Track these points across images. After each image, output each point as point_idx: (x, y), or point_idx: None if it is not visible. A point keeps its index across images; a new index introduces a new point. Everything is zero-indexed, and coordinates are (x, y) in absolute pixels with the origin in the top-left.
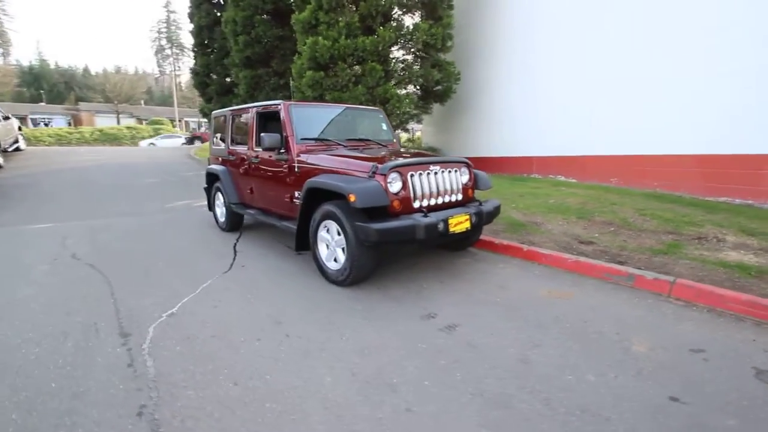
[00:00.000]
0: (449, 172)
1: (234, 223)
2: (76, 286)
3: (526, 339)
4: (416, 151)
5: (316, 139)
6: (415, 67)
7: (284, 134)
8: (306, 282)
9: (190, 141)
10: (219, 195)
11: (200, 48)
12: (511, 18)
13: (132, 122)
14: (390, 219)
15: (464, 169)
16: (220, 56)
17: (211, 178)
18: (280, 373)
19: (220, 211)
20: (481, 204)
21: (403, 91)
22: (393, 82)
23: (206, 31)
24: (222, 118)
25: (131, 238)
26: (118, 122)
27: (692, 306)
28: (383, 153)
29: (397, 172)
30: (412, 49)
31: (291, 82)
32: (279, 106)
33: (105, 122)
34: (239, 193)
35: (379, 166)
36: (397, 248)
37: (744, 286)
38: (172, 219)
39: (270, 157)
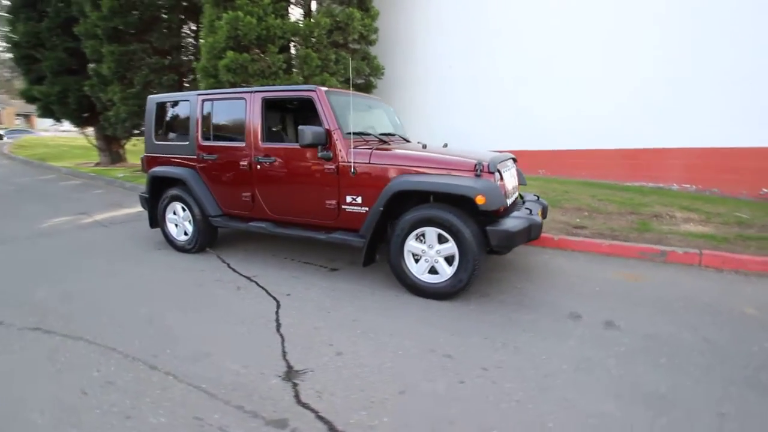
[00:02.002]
0: (514, 168)
1: (207, 241)
2: (81, 376)
3: (681, 323)
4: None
5: (357, 134)
6: (348, 59)
7: (325, 128)
8: (399, 301)
9: None
10: (177, 206)
11: (23, 11)
12: (426, 15)
13: None
14: (501, 220)
15: (515, 165)
16: (57, 23)
17: (163, 184)
18: (556, 417)
19: (179, 228)
20: (538, 199)
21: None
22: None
23: None
24: (174, 104)
25: (52, 275)
26: None
27: (722, 271)
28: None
29: (497, 169)
30: (350, 38)
31: (199, 63)
32: (313, 93)
33: None
34: (225, 202)
35: (485, 163)
36: None
37: (733, 249)
38: (82, 241)
39: (302, 155)
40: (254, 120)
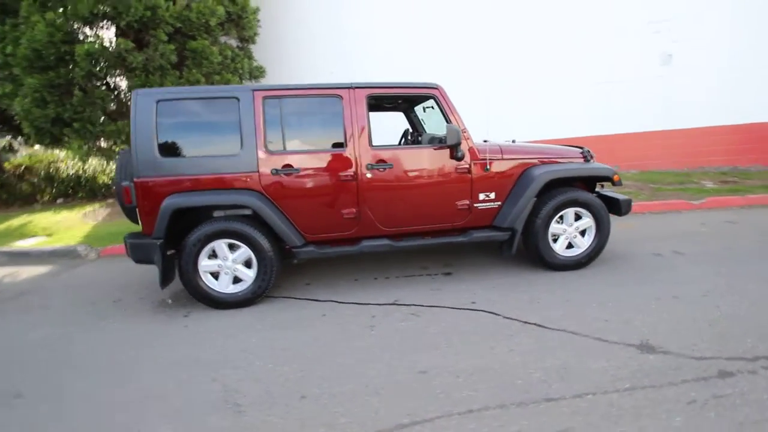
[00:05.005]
0: None
1: (274, 283)
2: None
3: (708, 242)
4: None
5: None
6: (243, 58)
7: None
8: (571, 278)
9: None
10: (221, 247)
11: None
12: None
13: None
14: (614, 193)
15: None
16: None
17: (183, 219)
18: None
19: (226, 276)
20: None
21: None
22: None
23: None
24: (199, 104)
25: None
26: None
27: (664, 212)
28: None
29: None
30: (247, 34)
31: (14, 48)
32: (435, 91)
33: None
34: (310, 225)
35: (586, 149)
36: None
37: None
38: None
39: (431, 157)
40: (357, 121)
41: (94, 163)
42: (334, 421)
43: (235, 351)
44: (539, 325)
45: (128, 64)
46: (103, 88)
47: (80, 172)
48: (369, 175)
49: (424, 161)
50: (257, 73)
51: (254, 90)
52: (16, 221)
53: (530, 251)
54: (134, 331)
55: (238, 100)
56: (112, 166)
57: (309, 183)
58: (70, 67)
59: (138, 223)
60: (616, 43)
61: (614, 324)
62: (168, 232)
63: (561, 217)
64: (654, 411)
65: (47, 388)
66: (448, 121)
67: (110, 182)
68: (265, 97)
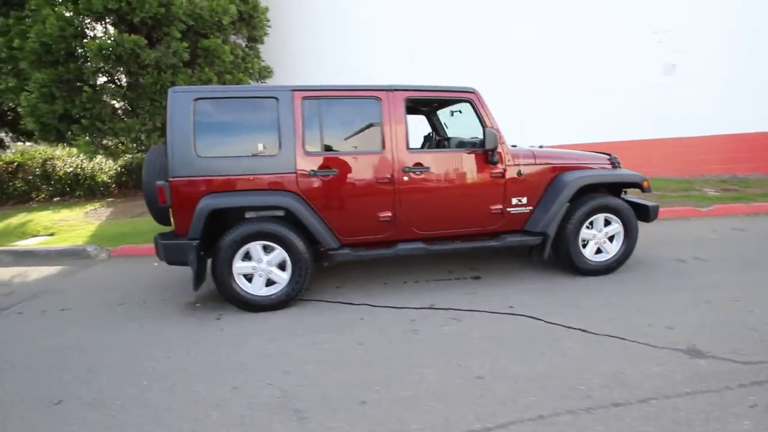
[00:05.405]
0: None
1: (305, 285)
2: None
3: (723, 247)
4: None
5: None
6: (254, 58)
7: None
8: (601, 283)
9: None
10: (256, 249)
11: None
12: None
13: None
14: (640, 199)
15: None
16: None
17: (222, 219)
18: None
19: (259, 278)
20: None
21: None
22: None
23: None
24: (236, 103)
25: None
26: None
27: (673, 218)
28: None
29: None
30: (258, 34)
31: (21, 42)
32: (472, 95)
33: None
34: (345, 227)
35: (613, 156)
36: None
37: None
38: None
39: (467, 161)
40: (396, 123)
41: (94, 161)
42: (403, 428)
43: (279, 355)
44: (584, 330)
45: (141, 61)
46: (111, 84)
47: (78, 170)
48: (405, 178)
49: (459, 165)
50: (265, 73)
51: (293, 90)
52: (15, 220)
53: (560, 256)
54: (167, 334)
55: (277, 100)
56: (113, 164)
57: (346, 185)
58: (80, 62)
59: (166, 224)
60: (619, 53)
61: (658, 329)
62: (203, 233)
63: (591, 223)
64: (721, 415)
65: (89, 394)
66: (484, 125)
67: (109, 180)
68: (304, 98)
